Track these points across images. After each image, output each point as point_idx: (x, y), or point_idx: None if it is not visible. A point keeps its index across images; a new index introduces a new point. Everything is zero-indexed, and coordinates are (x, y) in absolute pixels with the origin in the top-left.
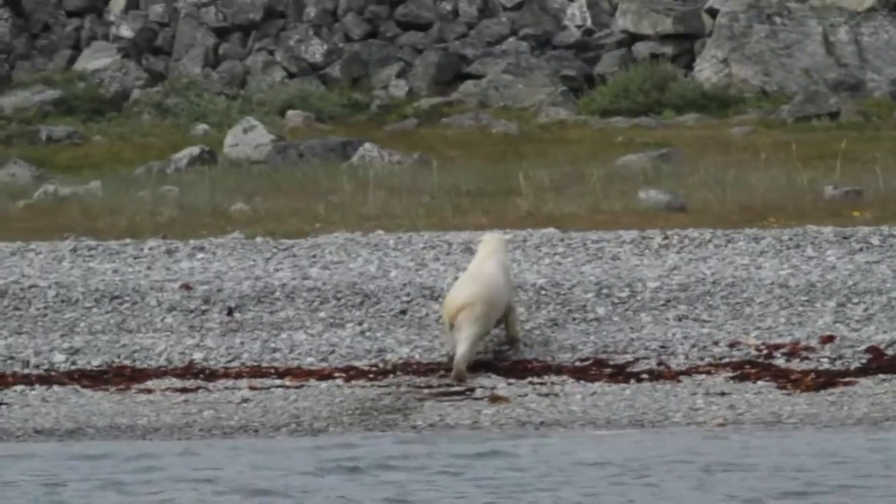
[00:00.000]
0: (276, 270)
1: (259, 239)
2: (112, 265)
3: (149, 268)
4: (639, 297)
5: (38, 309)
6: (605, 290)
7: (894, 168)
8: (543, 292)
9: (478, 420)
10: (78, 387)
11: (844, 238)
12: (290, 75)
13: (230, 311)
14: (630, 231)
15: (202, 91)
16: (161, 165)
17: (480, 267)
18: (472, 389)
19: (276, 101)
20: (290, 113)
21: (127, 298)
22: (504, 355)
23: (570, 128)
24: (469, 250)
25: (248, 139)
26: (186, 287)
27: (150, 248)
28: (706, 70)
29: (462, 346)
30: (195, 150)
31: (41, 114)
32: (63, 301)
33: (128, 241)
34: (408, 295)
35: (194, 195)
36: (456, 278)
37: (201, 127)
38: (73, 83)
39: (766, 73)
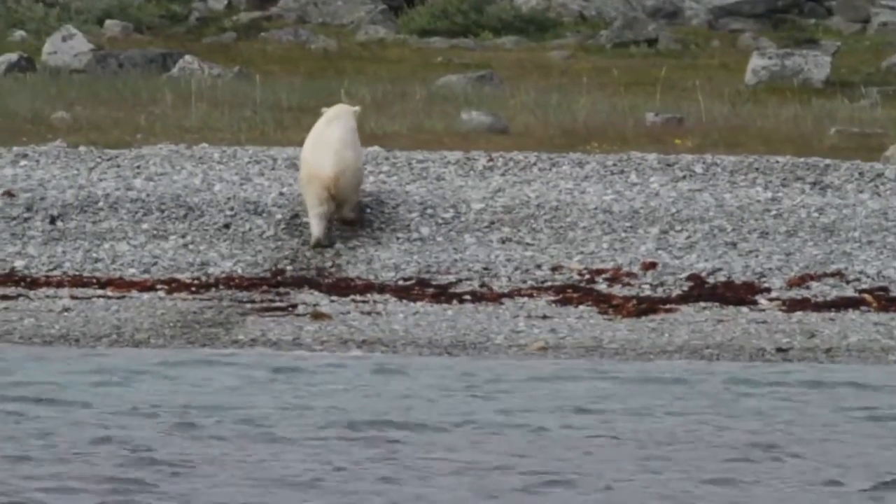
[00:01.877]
0: (100, 180)
1: (83, 148)
2: None
3: None
4: (463, 219)
5: None
6: (429, 210)
7: (713, 97)
8: (368, 210)
9: (299, 336)
10: None
11: (668, 165)
12: None
13: (53, 220)
14: (454, 152)
15: None
16: None
17: (328, 133)
18: (294, 305)
19: (94, 9)
20: (108, 22)
21: None
22: (326, 272)
23: (388, 46)
24: (294, 166)
25: (66, 47)
26: (9, 194)
27: None
28: None
29: (350, 201)
30: (13, 56)
31: None
32: None
33: None
34: (232, 209)
35: (14, 102)
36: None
37: (18, 34)
38: None
39: None
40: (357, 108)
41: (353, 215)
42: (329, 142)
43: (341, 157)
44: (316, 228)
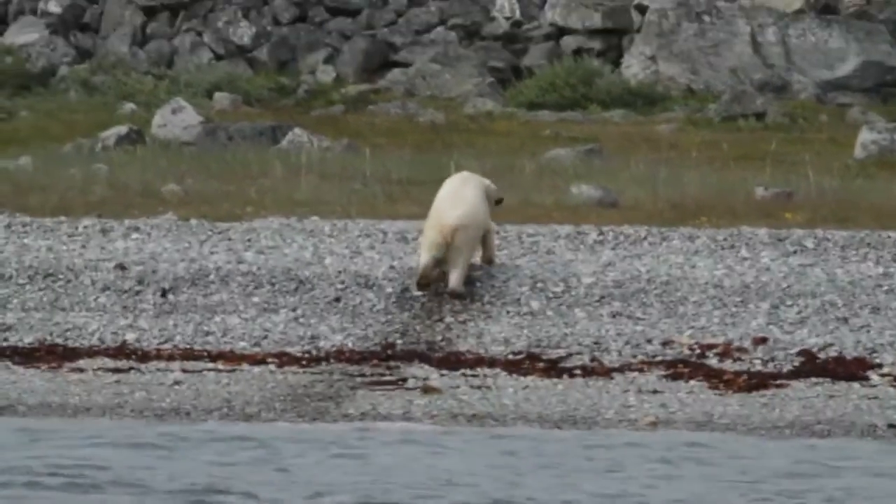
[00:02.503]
0: (211, 253)
1: (193, 221)
2: (46, 242)
3: (83, 246)
4: (573, 293)
5: None
6: (539, 284)
7: (823, 171)
8: (478, 284)
9: (409, 410)
10: (10, 364)
11: (779, 240)
12: (218, 57)
13: (164, 293)
14: (564, 226)
15: (129, 70)
16: (89, 143)
17: (463, 190)
18: (404, 379)
19: (204, 82)
20: (217, 95)
21: (61, 276)
22: (437, 346)
23: (496, 119)
24: (404, 239)
25: (176, 120)
26: (121, 267)
27: (85, 227)
28: (634, 66)
29: (459, 268)
30: (123, 129)
31: None
32: None
33: (62, 218)
34: (342, 282)
35: (125, 174)
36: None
37: (128, 106)
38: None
39: (693, 71)
40: (489, 182)
41: (462, 289)
42: (464, 196)
43: (471, 212)
44: (423, 259)
